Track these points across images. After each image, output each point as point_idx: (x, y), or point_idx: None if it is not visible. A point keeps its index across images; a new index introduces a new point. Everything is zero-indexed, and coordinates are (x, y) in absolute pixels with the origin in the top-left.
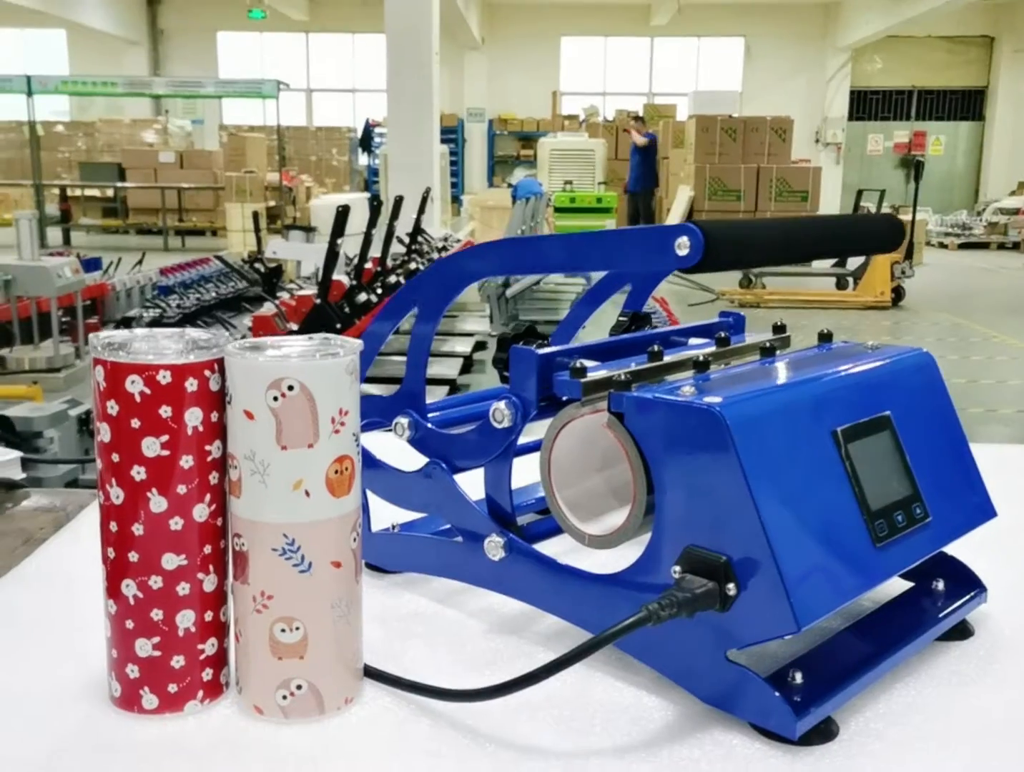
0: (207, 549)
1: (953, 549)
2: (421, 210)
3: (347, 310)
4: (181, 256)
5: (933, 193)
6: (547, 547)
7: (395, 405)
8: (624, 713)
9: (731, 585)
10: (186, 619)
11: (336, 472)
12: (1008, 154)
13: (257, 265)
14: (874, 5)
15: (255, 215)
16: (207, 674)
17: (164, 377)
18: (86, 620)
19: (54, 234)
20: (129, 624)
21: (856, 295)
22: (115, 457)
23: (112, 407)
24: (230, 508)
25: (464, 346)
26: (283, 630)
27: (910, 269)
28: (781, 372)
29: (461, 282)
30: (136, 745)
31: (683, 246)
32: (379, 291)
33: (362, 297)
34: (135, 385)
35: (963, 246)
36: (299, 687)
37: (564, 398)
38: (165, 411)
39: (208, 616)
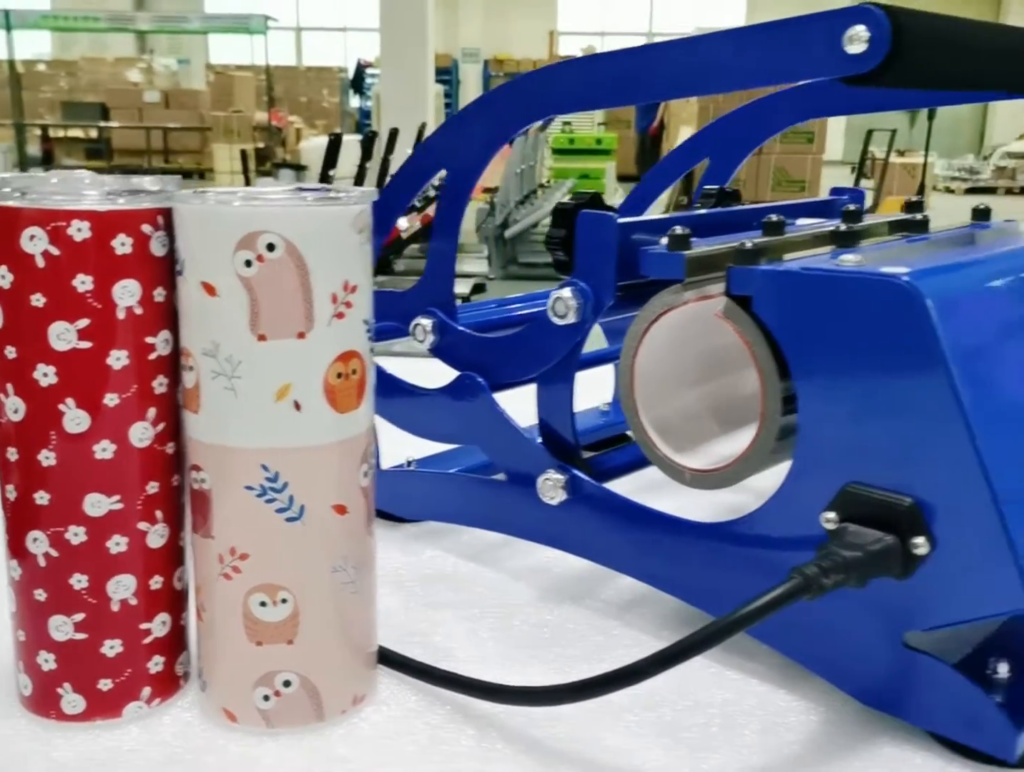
0: (151, 487)
1: None
2: (416, 145)
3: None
4: None
5: (939, 137)
6: (618, 488)
7: (415, 303)
8: (751, 720)
9: (920, 540)
10: (122, 587)
11: (340, 376)
12: None
13: None
14: None
15: (243, 154)
16: (155, 664)
17: (80, 231)
18: None
19: None
20: (39, 595)
21: None
22: (10, 352)
23: (3, 277)
24: (185, 429)
25: (463, 287)
26: (263, 603)
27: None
28: (957, 247)
29: (511, 126)
30: (54, 766)
31: (857, 40)
32: None
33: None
34: (37, 243)
35: (970, 191)
36: (287, 684)
37: (650, 282)
38: (83, 283)
39: (155, 583)
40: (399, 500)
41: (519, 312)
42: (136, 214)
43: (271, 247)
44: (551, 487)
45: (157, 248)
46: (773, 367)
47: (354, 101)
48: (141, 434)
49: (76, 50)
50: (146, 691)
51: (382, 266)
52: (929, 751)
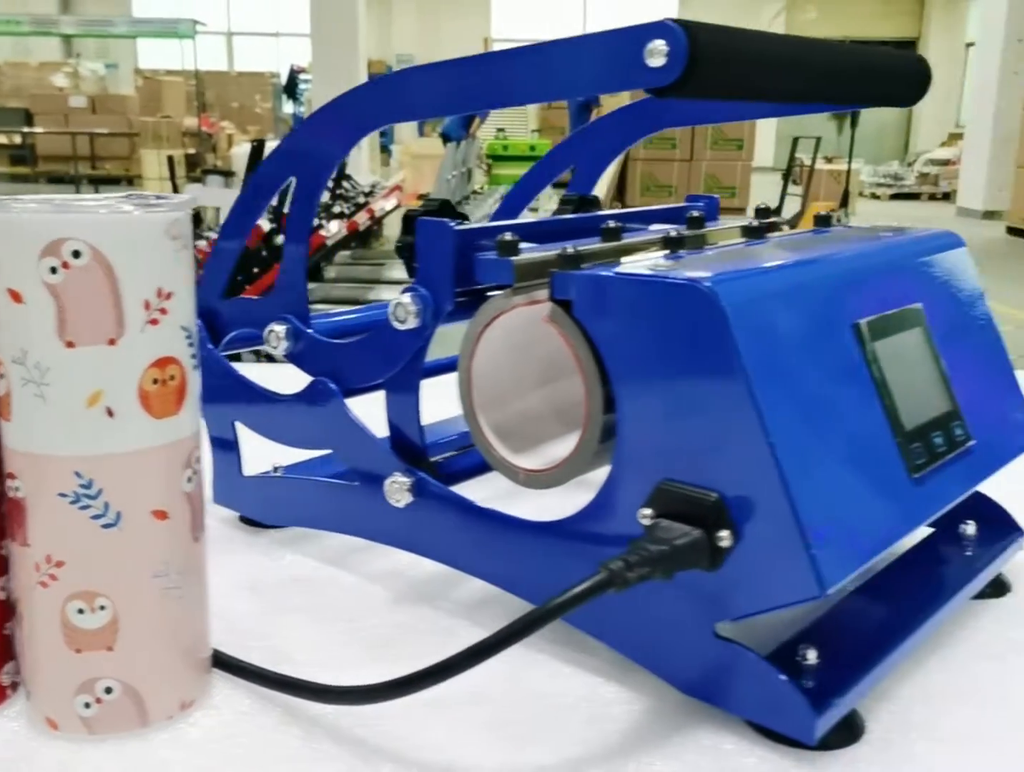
0: None
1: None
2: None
3: (264, 254)
4: None
5: (865, 144)
6: (472, 492)
7: (269, 310)
8: (575, 712)
9: (725, 533)
10: None
11: (156, 381)
12: (939, 105)
13: None
14: None
15: (170, 160)
16: None
17: None
18: None
19: None
20: None
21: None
22: None
23: None
24: (2, 438)
25: (391, 294)
26: (81, 610)
27: (845, 217)
28: (781, 252)
29: (357, 131)
30: None
31: (657, 54)
32: None
33: (280, 240)
34: None
35: (895, 197)
36: (108, 690)
37: (489, 287)
38: None
39: None
40: (262, 506)
41: (373, 318)
42: None
43: (76, 254)
44: (397, 490)
45: None
46: (595, 370)
47: (287, 107)
48: None
49: None
50: None
51: (312, 273)
52: (742, 737)
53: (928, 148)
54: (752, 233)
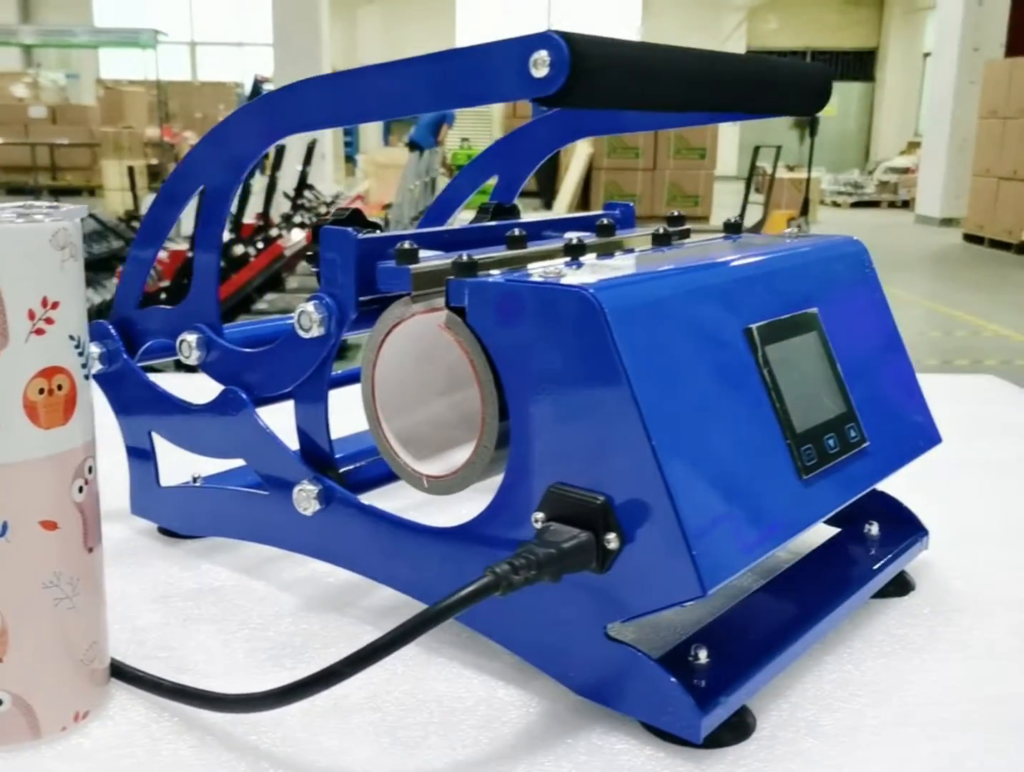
0: None
1: (886, 485)
2: (307, 162)
3: (223, 265)
4: None
5: (826, 153)
6: (385, 502)
7: (182, 320)
8: (470, 715)
9: (612, 535)
10: None
11: (41, 391)
12: (898, 115)
13: (134, 223)
14: None
15: (131, 171)
16: None
17: None
18: None
19: None
20: None
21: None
22: None
23: None
24: None
25: None
26: None
27: (806, 224)
28: (677, 258)
29: (252, 148)
30: None
31: (541, 64)
32: (259, 245)
33: (239, 250)
34: None
35: (855, 205)
36: None
37: (395, 296)
38: None
39: None
40: (178, 516)
41: (284, 327)
42: None
43: None
44: (305, 497)
45: None
46: (490, 376)
47: None
48: None
49: None
50: None
51: (273, 283)
52: (633, 737)
53: (888, 156)
54: (660, 240)
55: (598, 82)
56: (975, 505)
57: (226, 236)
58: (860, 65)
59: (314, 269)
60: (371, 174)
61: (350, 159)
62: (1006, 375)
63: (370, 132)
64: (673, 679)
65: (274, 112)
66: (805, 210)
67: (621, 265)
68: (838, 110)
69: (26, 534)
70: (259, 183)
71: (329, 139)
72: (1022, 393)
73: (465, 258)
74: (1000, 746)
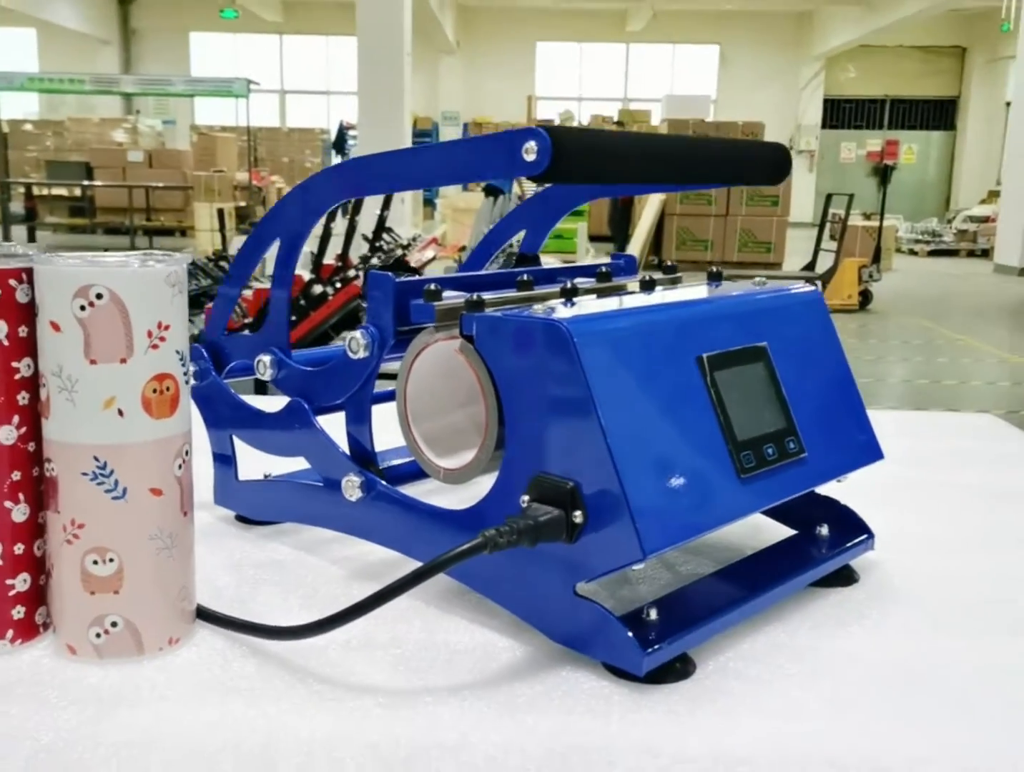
0: (15, 475)
1: (856, 500)
2: (385, 207)
3: (303, 303)
4: None
5: (905, 201)
6: (416, 491)
7: (260, 344)
8: (469, 655)
9: (578, 512)
10: None
11: (155, 391)
12: (979, 163)
13: (222, 263)
14: (847, 15)
15: (220, 213)
16: (18, 612)
17: None
18: None
19: (19, 232)
20: None
21: (824, 298)
22: None
23: None
24: (43, 431)
25: None
26: (95, 562)
27: (877, 273)
28: (652, 300)
29: (320, 206)
30: None
31: (530, 151)
32: (337, 285)
33: (318, 289)
34: None
35: (933, 253)
36: (114, 624)
37: (420, 326)
38: None
39: (18, 549)
40: (251, 506)
41: (341, 350)
42: (6, 272)
43: (99, 296)
44: (351, 487)
45: (21, 296)
46: (492, 389)
47: (336, 161)
48: (7, 434)
49: (64, 110)
50: (10, 633)
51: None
52: (596, 675)
53: (968, 205)
54: (646, 286)
55: (576, 163)
56: (943, 520)
57: (307, 276)
58: (941, 114)
59: (363, 304)
60: (449, 218)
61: (429, 203)
62: None
63: None
64: (625, 627)
65: (330, 184)
66: (877, 258)
67: (603, 305)
68: (917, 159)
69: (139, 497)
70: (340, 225)
71: None
72: None
73: (475, 297)
74: (888, 694)
